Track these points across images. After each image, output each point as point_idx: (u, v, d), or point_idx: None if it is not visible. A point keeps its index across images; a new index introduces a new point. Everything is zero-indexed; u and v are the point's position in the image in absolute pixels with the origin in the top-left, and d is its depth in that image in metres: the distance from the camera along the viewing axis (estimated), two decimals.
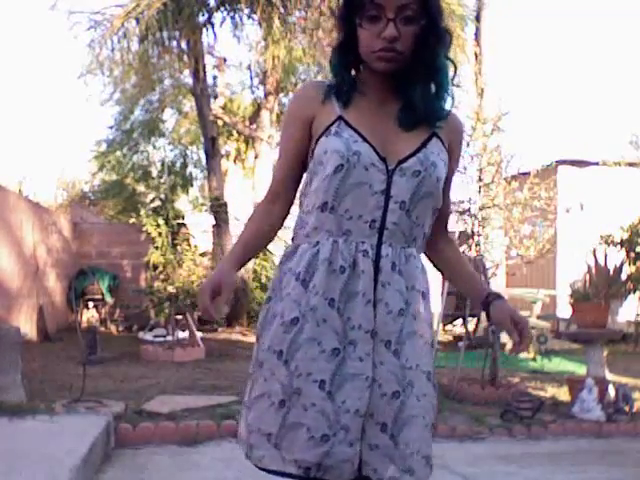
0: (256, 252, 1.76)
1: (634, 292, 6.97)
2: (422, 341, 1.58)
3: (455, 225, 6.18)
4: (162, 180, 14.80)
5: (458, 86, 7.02)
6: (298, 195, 1.68)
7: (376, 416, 1.52)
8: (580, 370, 6.45)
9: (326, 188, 1.55)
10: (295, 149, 1.65)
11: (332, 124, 1.58)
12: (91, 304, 9.96)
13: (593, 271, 5.66)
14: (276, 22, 8.58)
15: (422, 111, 1.58)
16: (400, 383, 1.53)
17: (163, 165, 13.94)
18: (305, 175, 1.66)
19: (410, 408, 1.54)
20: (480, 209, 5.96)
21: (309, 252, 1.56)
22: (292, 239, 1.66)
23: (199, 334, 8.17)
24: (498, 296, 1.71)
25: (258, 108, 13.79)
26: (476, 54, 9.53)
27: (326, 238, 1.56)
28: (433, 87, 1.59)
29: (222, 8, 9.15)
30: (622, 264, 5.97)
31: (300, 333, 1.53)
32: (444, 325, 10.32)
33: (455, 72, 1.63)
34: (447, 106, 1.63)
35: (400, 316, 1.54)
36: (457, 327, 10.74)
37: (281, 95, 14.59)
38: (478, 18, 10.25)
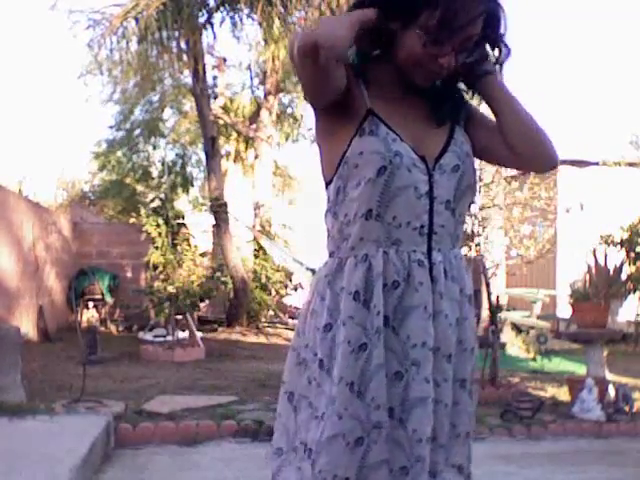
0: None
1: (634, 292, 6.95)
2: (463, 347, 1.49)
3: None
4: (162, 180, 14.83)
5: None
6: (328, 206, 1.50)
7: (439, 439, 1.45)
8: (580, 370, 6.45)
9: (369, 194, 1.40)
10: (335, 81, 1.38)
11: (364, 120, 1.43)
12: (91, 304, 9.96)
13: (593, 271, 5.65)
14: (276, 22, 8.58)
15: (453, 107, 1.52)
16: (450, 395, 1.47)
17: (163, 165, 13.96)
18: (334, 182, 1.48)
19: (461, 425, 1.49)
20: (480, 209, 5.97)
21: (361, 267, 1.42)
22: (331, 253, 1.50)
23: (199, 334, 8.17)
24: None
25: (258, 108, 13.79)
26: None
27: (375, 249, 1.42)
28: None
29: (222, 8, 9.14)
30: (622, 264, 5.96)
31: (370, 360, 1.39)
32: None
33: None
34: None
35: (457, 326, 1.46)
36: None
37: (281, 95, 14.60)
38: None
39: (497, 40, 1.48)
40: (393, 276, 1.40)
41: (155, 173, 17.80)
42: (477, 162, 5.30)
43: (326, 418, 1.40)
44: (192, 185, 18.60)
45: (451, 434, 1.47)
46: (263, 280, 10.82)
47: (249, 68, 14.92)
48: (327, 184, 1.50)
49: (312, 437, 1.42)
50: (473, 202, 1.56)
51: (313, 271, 10.74)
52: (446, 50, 1.40)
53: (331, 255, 1.49)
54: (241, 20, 9.29)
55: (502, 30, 1.48)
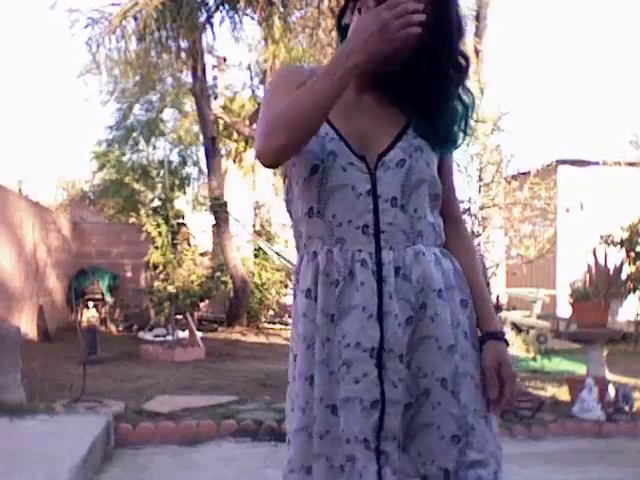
0: None
1: (634, 292, 6.95)
2: (437, 345, 1.41)
3: None
4: (159, 179, 14.83)
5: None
6: (285, 205, 1.53)
7: (397, 436, 1.40)
8: (580, 370, 6.44)
9: (305, 192, 1.42)
10: None
11: None
12: (91, 304, 9.95)
13: (593, 271, 5.66)
14: (276, 22, 8.58)
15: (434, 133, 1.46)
16: (412, 394, 1.41)
17: (163, 165, 13.95)
18: (286, 181, 1.51)
19: (444, 426, 1.41)
20: (480, 209, 5.97)
21: (311, 265, 1.43)
22: (297, 250, 1.53)
23: (199, 334, 8.17)
24: (496, 336, 1.50)
25: (258, 108, 13.80)
26: (477, 52, 9.53)
27: (320, 247, 1.42)
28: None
29: (221, 7, 9.14)
30: (622, 264, 5.97)
31: (313, 356, 1.41)
32: None
33: (470, 109, 1.49)
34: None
35: (408, 326, 1.40)
36: None
37: None
38: (478, 17, 10.25)
39: (445, 23, 1.39)
40: (334, 274, 1.40)
41: (154, 172, 17.80)
42: (477, 162, 5.25)
43: (294, 412, 1.46)
44: (189, 185, 18.61)
45: (432, 436, 1.41)
46: (263, 280, 10.81)
47: (249, 68, 14.92)
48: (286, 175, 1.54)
49: (289, 429, 1.49)
50: (438, 194, 1.48)
51: None
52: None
53: (298, 252, 1.52)
54: (241, 20, 9.29)
55: (453, 13, 1.41)
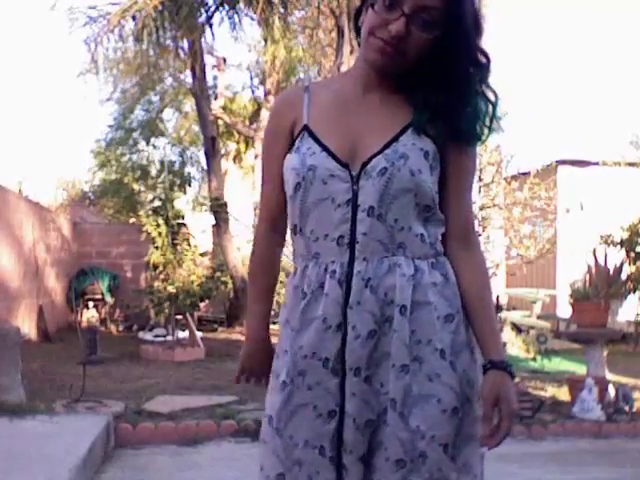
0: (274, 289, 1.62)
1: (634, 292, 6.95)
2: (391, 363, 1.34)
3: None
4: (160, 179, 14.83)
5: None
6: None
7: (354, 450, 1.35)
8: (580, 370, 6.45)
9: (292, 210, 1.43)
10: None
11: (298, 136, 1.44)
12: (91, 304, 9.95)
13: (593, 271, 5.66)
14: (276, 22, 8.57)
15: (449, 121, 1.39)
16: (374, 410, 1.35)
17: (162, 165, 13.95)
18: None
19: (380, 434, 1.37)
20: (480, 209, 5.97)
21: (291, 281, 1.46)
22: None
23: (199, 334, 8.17)
24: (497, 365, 1.40)
25: (258, 108, 13.79)
26: None
27: (299, 263, 1.44)
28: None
29: (221, 8, 9.14)
30: (622, 264, 5.97)
31: (292, 395, 1.42)
32: None
33: (494, 106, 1.41)
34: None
35: (369, 339, 1.33)
36: None
37: None
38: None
39: (460, 20, 1.34)
40: (304, 288, 1.39)
41: (154, 173, 17.80)
42: (477, 163, 5.28)
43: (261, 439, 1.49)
44: (189, 185, 18.62)
45: (381, 457, 1.36)
46: None
47: (249, 68, 14.93)
48: None
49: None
50: (428, 205, 1.39)
51: None
52: (395, 14, 1.32)
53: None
54: (240, 20, 9.28)
55: (467, 10, 1.36)
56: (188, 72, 10.35)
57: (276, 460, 1.40)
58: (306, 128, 1.42)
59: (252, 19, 9.29)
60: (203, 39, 9.49)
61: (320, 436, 1.36)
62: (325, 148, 1.38)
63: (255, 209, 12.49)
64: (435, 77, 1.38)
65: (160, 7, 8.19)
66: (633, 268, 7.19)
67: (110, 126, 17.67)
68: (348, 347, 1.34)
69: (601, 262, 5.72)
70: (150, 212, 8.67)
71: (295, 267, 1.45)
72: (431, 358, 1.34)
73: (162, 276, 8.02)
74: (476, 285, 1.42)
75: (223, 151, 13.99)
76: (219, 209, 9.93)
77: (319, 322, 1.36)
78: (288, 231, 1.51)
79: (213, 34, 9.41)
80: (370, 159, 1.36)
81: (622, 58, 47.49)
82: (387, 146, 1.37)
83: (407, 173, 1.35)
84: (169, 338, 7.91)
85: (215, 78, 14.16)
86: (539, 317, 9.70)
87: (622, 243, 7.52)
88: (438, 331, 1.35)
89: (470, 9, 1.37)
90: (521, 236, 6.41)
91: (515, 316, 9.36)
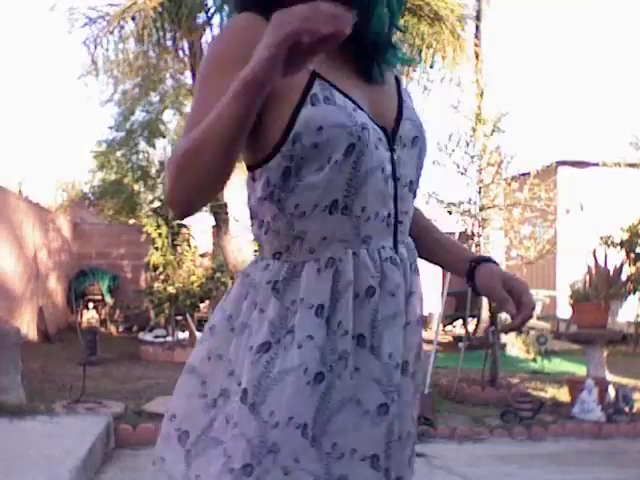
0: None
1: (634, 293, 6.96)
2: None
3: (455, 226, 6.18)
4: (160, 180, 14.82)
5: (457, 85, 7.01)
6: (265, 192, 1.13)
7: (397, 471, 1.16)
8: (580, 371, 6.45)
9: (336, 180, 1.08)
10: None
11: (311, 85, 1.08)
12: (91, 305, 9.96)
13: (593, 272, 5.66)
14: None
15: (378, 46, 1.17)
16: (414, 420, 1.19)
17: (163, 165, 13.94)
18: (276, 162, 1.10)
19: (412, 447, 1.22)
20: (480, 210, 5.96)
21: (327, 275, 1.09)
22: (276, 254, 1.14)
23: (199, 334, 8.16)
24: (486, 259, 1.29)
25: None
26: (476, 53, 9.54)
27: (343, 251, 1.10)
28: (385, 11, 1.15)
29: (221, 9, 9.14)
30: (622, 265, 5.97)
31: (329, 394, 1.06)
32: (444, 326, 10.33)
33: None
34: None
35: (418, 325, 1.19)
36: (457, 328, 10.76)
37: None
38: (478, 17, 10.26)
39: None
40: (368, 282, 1.10)
41: (154, 173, 17.81)
42: (477, 163, 5.25)
43: (261, 473, 1.05)
44: None
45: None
46: None
47: None
48: (257, 164, 1.13)
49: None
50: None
51: None
52: None
53: (276, 257, 1.14)
54: None
55: None
56: (188, 73, 10.35)
57: None
58: (319, 75, 1.09)
59: None
60: (203, 40, 9.50)
61: (371, 442, 1.10)
62: (358, 105, 1.11)
63: None
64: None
65: (160, 8, 8.20)
66: (633, 269, 7.20)
67: (110, 127, 17.70)
68: (408, 342, 1.15)
69: (601, 263, 5.72)
70: (150, 213, 8.68)
71: (313, 254, 1.11)
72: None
73: (162, 277, 8.02)
74: (435, 229, 1.38)
75: None
76: (219, 210, 9.91)
77: (399, 321, 1.14)
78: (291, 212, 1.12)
79: (213, 35, 9.40)
80: (398, 124, 1.17)
81: (622, 59, 47.52)
82: (400, 108, 1.19)
83: (427, 143, 1.22)
84: (169, 339, 7.91)
85: None
86: (539, 318, 9.70)
87: (622, 244, 7.52)
88: None
89: None
90: (521, 237, 6.40)
91: None
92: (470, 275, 1.28)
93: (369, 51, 1.17)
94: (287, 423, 1.05)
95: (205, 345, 1.19)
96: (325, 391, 1.06)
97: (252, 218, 1.20)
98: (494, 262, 1.29)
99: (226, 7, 1.29)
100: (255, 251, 11.23)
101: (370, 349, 1.09)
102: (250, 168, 1.16)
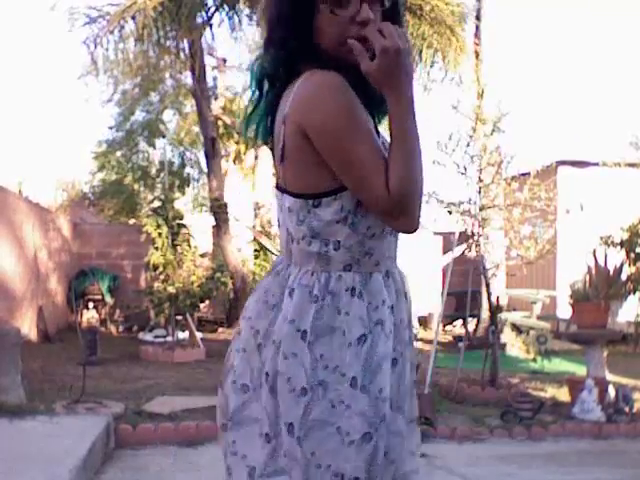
0: None
1: (634, 293, 6.96)
2: None
3: (455, 226, 6.18)
4: (160, 180, 14.82)
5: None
6: (343, 214, 1.37)
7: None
8: (580, 371, 6.45)
9: None
10: None
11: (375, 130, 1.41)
12: (91, 305, 9.96)
13: (593, 272, 5.65)
14: None
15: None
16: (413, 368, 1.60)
17: (163, 166, 13.96)
18: (328, 198, 1.37)
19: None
20: (480, 210, 5.95)
21: (390, 282, 1.46)
22: (345, 267, 1.40)
23: (199, 335, 8.17)
24: None
25: None
26: (476, 53, 9.53)
27: (392, 265, 1.48)
28: None
29: (221, 8, 9.14)
30: (622, 265, 5.97)
31: (402, 376, 1.47)
32: (444, 326, 10.34)
33: None
34: None
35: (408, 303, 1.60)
36: (457, 328, 10.76)
37: None
38: (478, 17, 10.25)
39: None
40: (403, 288, 1.51)
41: (154, 173, 17.81)
42: (477, 163, 5.24)
43: (378, 438, 1.36)
44: (188, 186, 18.63)
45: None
46: None
47: (249, 69, 14.92)
48: (329, 192, 1.37)
49: (355, 464, 1.34)
50: None
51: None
52: (355, 5, 1.33)
53: (346, 269, 1.39)
54: (240, 20, 9.28)
55: None
56: (188, 73, 10.35)
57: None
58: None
59: (252, 20, 9.29)
60: (203, 40, 9.49)
61: (402, 395, 1.47)
62: None
63: (255, 210, 12.47)
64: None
65: (160, 7, 8.20)
66: (633, 269, 7.20)
67: (110, 127, 17.70)
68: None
69: (601, 263, 5.72)
70: (150, 213, 8.68)
71: (377, 267, 1.43)
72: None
73: (162, 277, 8.02)
74: None
75: (223, 152, 13.98)
76: (219, 210, 9.93)
77: (405, 324, 1.50)
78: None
79: (213, 35, 9.41)
80: None
81: (622, 59, 47.51)
82: None
83: None
84: (169, 339, 7.91)
85: (215, 79, 14.16)
86: (539, 318, 9.70)
87: (622, 244, 7.52)
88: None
89: None
90: (521, 237, 6.39)
91: (515, 317, 9.36)
92: None
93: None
94: (386, 397, 1.37)
95: (281, 350, 1.38)
96: (400, 373, 1.45)
97: (312, 237, 1.39)
98: None
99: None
100: (256, 251, 11.24)
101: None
102: (311, 196, 1.38)
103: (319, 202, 1.37)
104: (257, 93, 1.45)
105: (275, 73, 1.41)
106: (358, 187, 1.33)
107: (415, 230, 1.35)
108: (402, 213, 1.31)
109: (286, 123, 1.36)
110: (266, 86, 1.44)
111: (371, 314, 1.38)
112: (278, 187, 1.46)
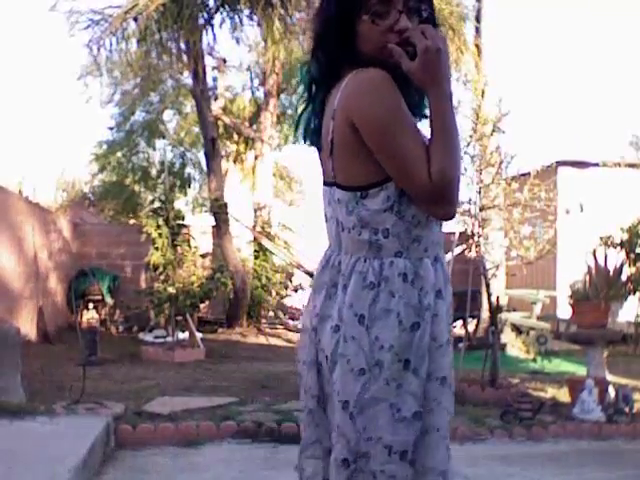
0: None
1: (634, 293, 6.95)
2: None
3: (455, 226, 6.18)
4: (160, 180, 14.81)
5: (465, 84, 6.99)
6: (390, 203, 1.48)
7: None
8: (580, 371, 6.45)
9: None
10: None
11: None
12: (91, 305, 9.95)
13: (593, 272, 5.65)
14: (276, 23, 8.57)
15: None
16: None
17: (163, 166, 13.96)
18: (377, 189, 1.50)
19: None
20: (480, 210, 5.96)
21: (439, 268, 1.55)
22: (397, 253, 1.50)
23: (199, 335, 8.17)
24: None
25: (258, 109, 13.80)
26: (478, 51, 9.53)
27: (440, 252, 1.58)
28: None
29: (222, 9, 9.14)
30: (622, 265, 5.96)
31: (448, 356, 1.56)
32: None
33: None
34: None
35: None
36: (457, 328, 10.76)
37: (282, 96, 14.61)
38: (478, 18, 10.25)
39: None
40: (448, 275, 1.60)
41: (155, 174, 17.80)
42: (477, 164, 5.23)
43: (425, 415, 1.49)
44: (189, 186, 18.63)
45: None
46: (263, 280, 10.81)
47: (249, 69, 14.93)
48: (376, 184, 1.48)
49: (404, 439, 1.47)
50: None
51: (311, 274, 10.73)
52: (394, 16, 1.46)
53: (397, 255, 1.50)
54: (241, 21, 9.29)
55: None
56: (188, 73, 10.35)
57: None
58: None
59: (252, 20, 9.29)
60: (204, 40, 9.49)
61: (443, 367, 1.55)
62: None
63: (255, 210, 12.47)
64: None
65: (161, 8, 8.20)
66: (633, 269, 7.19)
67: (111, 128, 17.68)
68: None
69: (601, 263, 5.72)
70: (150, 213, 8.68)
71: (426, 252, 1.53)
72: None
73: (162, 277, 8.02)
74: None
75: (223, 152, 13.99)
76: (219, 210, 9.93)
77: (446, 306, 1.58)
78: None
79: (214, 35, 9.40)
80: None
81: (622, 59, 47.51)
82: None
83: None
84: (169, 339, 7.91)
85: (215, 79, 14.16)
86: (539, 318, 9.70)
87: (622, 244, 7.52)
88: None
89: None
90: (521, 237, 6.40)
91: (515, 317, 9.36)
92: None
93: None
94: (436, 379, 1.51)
95: (341, 333, 1.49)
96: (446, 353, 1.54)
97: (362, 227, 1.50)
98: None
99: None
100: (256, 251, 11.24)
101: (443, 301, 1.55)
102: (359, 188, 1.49)
103: (366, 194, 1.49)
104: (306, 96, 1.58)
105: (321, 77, 1.54)
106: (403, 177, 1.44)
107: (452, 218, 1.49)
108: (443, 201, 1.43)
109: (335, 118, 1.48)
110: (314, 89, 1.57)
111: (422, 300, 1.49)
112: (326, 182, 1.58)
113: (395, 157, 1.43)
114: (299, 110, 1.62)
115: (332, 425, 1.52)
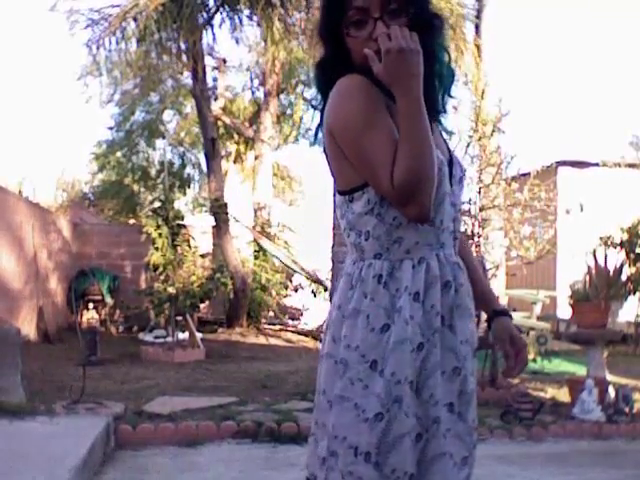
0: None
1: (634, 293, 6.96)
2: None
3: None
4: (160, 180, 14.81)
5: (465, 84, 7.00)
6: (370, 206, 1.48)
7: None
8: (580, 371, 6.45)
9: None
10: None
11: None
12: (91, 305, 9.95)
13: (593, 272, 5.65)
14: (276, 23, 8.58)
15: (430, 106, 1.48)
16: (474, 377, 1.61)
17: (163, 166, 13.96)
18: (358, 192, 1.50)
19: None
20: (480, 210, 5.96)
21: (421, 270, 1.47)
22: (377, 255, 1.49)
23: (199, 335, 8.17)
24: (503, 312, 1.72)
25: (258, 109, 13.81)
26: (478, 49, 9.53)
27: (430, 253, 1.49)
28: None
29: (222, 9, 9.15)
30: (622, 265, 5.96)
31: (427, 359, 1.45)
32: None
33: (449, 58, 1.59)
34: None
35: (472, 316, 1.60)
36: None
37: (282, 96, 14.61)
38: (478, 17, 10.24)
39: None
40: (446, 277, 1.49)
41: (154, 174, 17.81)
42: (477, 164, 5.24)
43: (390, 418, 1.42)
44: (189, 186, 18.63)
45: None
46: (263, 281, 10.81)
47: (249, 69, 14.93)
48: (358, 188, 1.48)
49: (367, 440, 1.43)
50: None
51: (309, 274, 10.73)
52: (371, 25, 1.45)
53: (377, 257, 1.49)
54: (241, 21, 9.29)
55: None
56: (188, 73, 10.36)
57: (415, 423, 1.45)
58: None
59: (252, 20, 9.29)
60: (204, 40, 9.50)
61: (449, 393, 1.49)
62: (435, 144, 1.46)
63: (255, 210, 12.47)
64: None
65: (161, 8, 8.20)
66: (633, 269, 7.20)
67: (111, 128, 17.68)
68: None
69: (601, 263, 5.72)
70: (150, 213, 8.69)
71: (409, 254, 1.48)
72: None
73: (162, 277, 8.02)
74: (472, 255, 1.78)
75: (223, 152, 14.00)
76: (219, 210, 9.93)
77: (467, 311, 1.53)
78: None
79: (214, 35, 9.40)
80: (450, 164, 1.53)
81: (622, 59, 47.51)
82: (450, 151, 1.57)
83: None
84: (169, 339, 7.90)
85: (215, 79, 14.17)
86: (539, 318, 9.69)
87: (622, 244, 7.52)
88: None
89: None
90: (521, 237, 6.41)
91: (515, 317, 9.33)
92: (489, 319, 1.72)
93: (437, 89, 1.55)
94: (403, 381, 1.42)
95: (329, 333, 1.53)
96: (424, 357, 1.44)
97: (350, 230, 1.53)
98: (509, 315, 1.74)
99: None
100: (256, 251, 11.24)
101: (449, 327, 1.49)
102: (346, 192, 1.51)
103: (352, 197, 1.51)
104: (321, 107, 1.60)
105: (322, 87, 1.58)
106: (371, 181, 1.45)
107: (425, 219, 1.44)
108: (410, 202, 1.40)
109: (323, 127, 1.53)
110: (322, 101, 1.60)
111: (395, 302, 1.46)
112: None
113: (361, 162, 1.45)
114: (315, 121, 1.65)
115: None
